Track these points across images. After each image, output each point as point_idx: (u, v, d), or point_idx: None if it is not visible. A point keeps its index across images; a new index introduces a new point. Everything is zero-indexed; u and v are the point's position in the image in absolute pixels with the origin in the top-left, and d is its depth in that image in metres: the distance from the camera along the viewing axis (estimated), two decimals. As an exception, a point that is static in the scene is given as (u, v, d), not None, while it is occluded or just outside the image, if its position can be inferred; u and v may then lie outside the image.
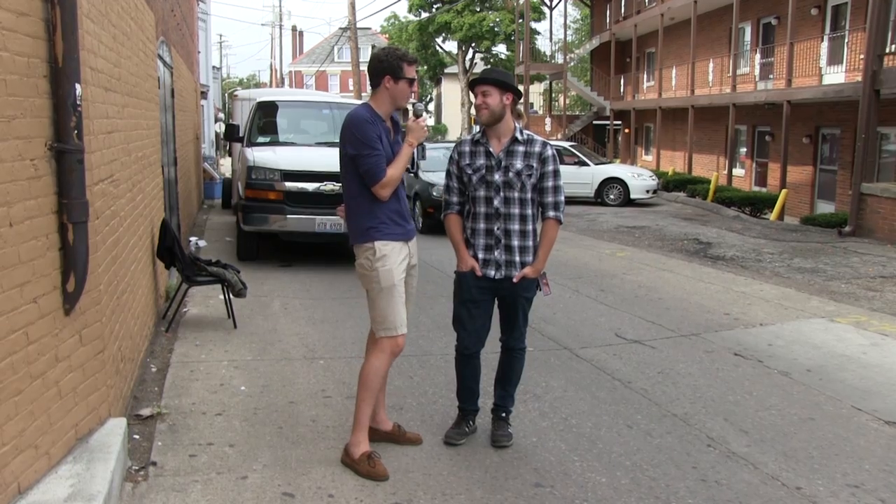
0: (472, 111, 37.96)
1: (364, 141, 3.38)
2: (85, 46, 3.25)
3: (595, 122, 31.16)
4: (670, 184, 19.91)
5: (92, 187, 3.30)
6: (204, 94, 20.52)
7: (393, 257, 3.47)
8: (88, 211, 3.09)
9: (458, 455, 3.68)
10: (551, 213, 3.69)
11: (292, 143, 9.38)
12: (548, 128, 30.90)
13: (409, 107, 3.89)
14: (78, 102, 2.95)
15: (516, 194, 3.63)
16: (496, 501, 3.23)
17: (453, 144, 3.96)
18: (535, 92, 41.47)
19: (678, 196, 18.98)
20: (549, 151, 3.68)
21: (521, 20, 32.18)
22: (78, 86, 2.94)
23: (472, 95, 3.79)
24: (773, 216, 15.01)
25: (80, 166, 3.01)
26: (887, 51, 12.63)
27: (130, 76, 4.82)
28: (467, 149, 3.73)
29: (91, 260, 3.18)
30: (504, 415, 3.90)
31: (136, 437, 3.77)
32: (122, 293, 4.06)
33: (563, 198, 3.73)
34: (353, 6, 27.27)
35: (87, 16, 3.37)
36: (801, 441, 3.92)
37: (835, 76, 15.95)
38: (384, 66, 3.45)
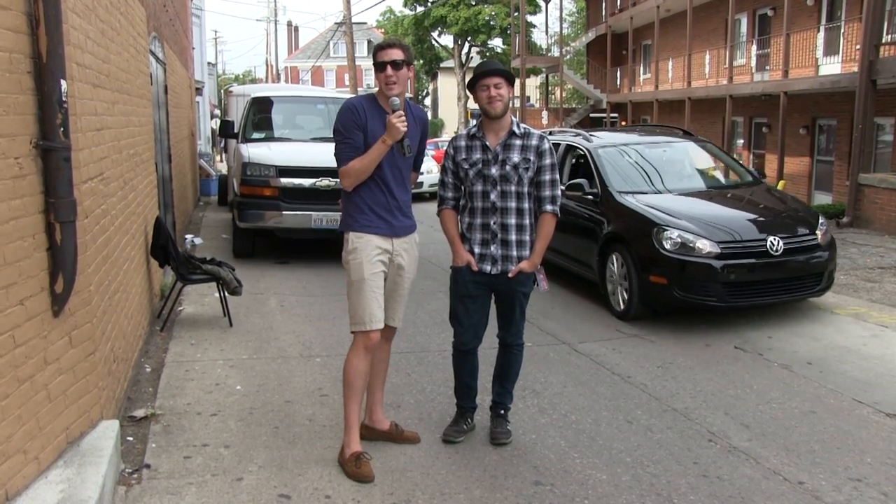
0: (470, 105, 37.85)
1: (337, 127, 3.40)
2: (71, 42, 3.18)
3: (592, 114, 31.06)
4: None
5: (80, 185, 3.24)
6: (199, 91, 20.40)
7: (366, 251, 3.39)
8: (76, 210, 3.03)
9: (456, 453, 3.64)
10: (548, 207, 3.64)
11: (287, 139, 9.31)
12: (545, 121, 30.80)
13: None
14: (64, 99, 2.88)
15: (513, 188, 3.58)
16: (496, 500, 3.19)
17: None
18: (532, 85, 41.35)
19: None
20: (546, 145, 3.64)
21: (516, 13, 32.04)
22: (63, 82, 2.88)
23: (468, 89, 3.69)
24: (770, 207, 14.95)
25: (67, 164, 2.95)
26: (884, 40, 12.56)
27: (120, 72, 4.74)
28: (463, 143, 3.68)
29: (80, 260, 3.12)
30: (503, 412, 3.85)
31: (130, 439, 3.72)
32: (115, 293, 4.00)
33: (559, 191, 3.69)
34: (348, 0, 27.12)
35: (73, 10, 3.30)
36: (803, 435, 3.88)
37: (831, 67, 15.89)
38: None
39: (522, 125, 3.67)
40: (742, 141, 20.58)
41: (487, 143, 3.60)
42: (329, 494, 3.20)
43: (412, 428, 3.86)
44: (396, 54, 3.36)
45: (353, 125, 3.36)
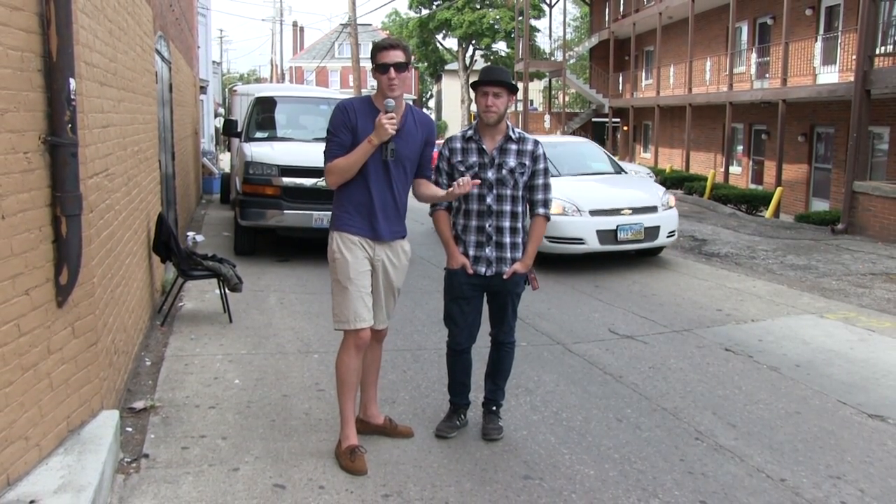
0: (473, 108, 38.01)
1: (329, 126, 3.46)
2: (80, 41, 3.28)
3: (594, 119, 31.18)
4: (668, 181, 19.90)
5: (86, 181, 3.33)
6: (203, 89, 20.49)
7: (353, 251, 3.43)
8: (82, 204, 3.12)
9: (448, 448, 3.72)
10: (540, 210, 3.73)
11: (290, 139, 9.40)
12: (547, 125, 30.93)
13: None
14: (72, 97, 2.97)
15: (509, 192, 3.67)
16: (485, 493, 3.27)
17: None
18: (535, 89, 41.49)
19: (675, 193, 19.01)
20: (541, 150, 3.73)
21: (520, 18, 32.17)
22: (72, 80, 2.97)
23: (472, 92, 3.76)
24: (768, 214, 15.04)
25: (74, 160, 3.04)
26: (878, 52, 12.67)
27: (127, 71, 4.84)
28: (458, 146, 3.74)
29: (85, 253, 3.21)
30: (495, 408, 3.94)
31: (129, 429, 3.81)
32: (117, 286, 4.09)
33: (551, 195, 3.78)
34: (353, 2, 27.23)
35: (82, 10, 3.39)
36: (787, 434, 3.97)
37: (829, 76, 15.99)
38: (371, 60, 3.47)
39: (517, 130, 3.76)
40: (742, 147, 20.69)
41: (484, 147, 3.68)
42: (323, 485, 3.29)
43: (406, 423, 3.94)
44: (399, 56, 3.32)
45: (343, 125, 3.40)
